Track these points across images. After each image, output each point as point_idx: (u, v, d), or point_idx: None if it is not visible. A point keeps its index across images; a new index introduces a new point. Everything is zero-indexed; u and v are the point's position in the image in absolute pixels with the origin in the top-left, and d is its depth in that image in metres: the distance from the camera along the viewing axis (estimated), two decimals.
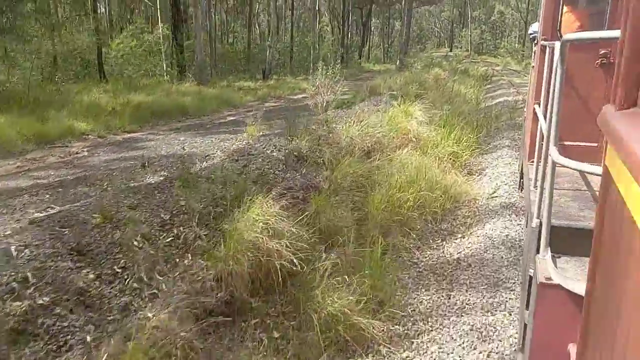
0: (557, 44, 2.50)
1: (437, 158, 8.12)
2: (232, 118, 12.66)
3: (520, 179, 6.18)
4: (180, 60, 21.55)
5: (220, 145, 8.17)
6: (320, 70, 11.68)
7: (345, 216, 5.61)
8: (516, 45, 53.61)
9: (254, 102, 16.41)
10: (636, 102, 1.12)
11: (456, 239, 6.04)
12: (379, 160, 7.41)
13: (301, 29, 54.89)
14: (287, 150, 7.18)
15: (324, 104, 10.50)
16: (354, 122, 8.85)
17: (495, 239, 5.63)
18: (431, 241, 6.04)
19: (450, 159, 8.42)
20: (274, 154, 7.12)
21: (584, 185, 3.19)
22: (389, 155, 7.74)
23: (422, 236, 6.10)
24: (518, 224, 5.93)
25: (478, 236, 5.88)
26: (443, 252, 5.74)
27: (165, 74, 20.52)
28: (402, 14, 54.21)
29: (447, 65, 32.88)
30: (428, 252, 5.75)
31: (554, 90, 2.45)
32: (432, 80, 18.06)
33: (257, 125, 8.56)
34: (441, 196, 6.70)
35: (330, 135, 8.08)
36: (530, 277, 2.52)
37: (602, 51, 3.76)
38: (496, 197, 6.88)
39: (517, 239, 5.55)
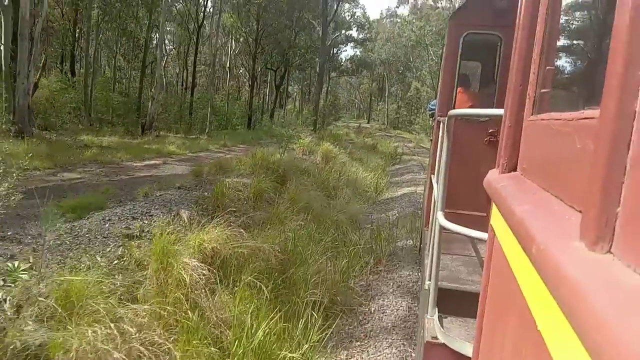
0: (445, 118, 2.78)
1: None
2: None
3: (420, 243, 6.20)
4: None
5: None
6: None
7: None
8: (430, 122, 52.02)
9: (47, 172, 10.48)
10: (516, 167, 1.28)
11: None
12: None
13: (209, 86, 50.26)
14: None
15: None
16: None
17: None
18: None
19: None
20: None
21: (474, 252, 3.36)
22: None
23: None
24: None
25: None
26: None
27: None
28: (313, 80, 51.66)
29: (354, 137, 28.88)
30: None
31: (441, 159, 2.63)
32: (319, 157, 13.28)
33: None
34: None
35: None
36: (421, 338, 2.54)
37: (490, 130, 4.12)
38: None
39: None
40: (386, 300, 5.20)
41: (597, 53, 1.04)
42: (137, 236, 3.94)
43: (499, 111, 1.57)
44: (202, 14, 37.43)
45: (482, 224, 1.85)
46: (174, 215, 4.99)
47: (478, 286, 1.55)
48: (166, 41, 50.36)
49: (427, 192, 4.94)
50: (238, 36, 40.50)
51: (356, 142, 25.78)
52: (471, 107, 4.66)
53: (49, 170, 10.55)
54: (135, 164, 13.12)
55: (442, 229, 2.38)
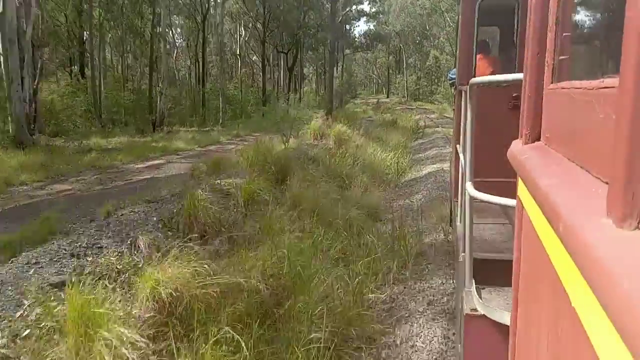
0: (467, 87, 2.72)
1: None
2: None
3: (451, 215, 5.89)
4: None
5: None
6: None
7: None
8: (452, 91, 49.79)
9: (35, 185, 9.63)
10: (539, 137, 1.24)
11: None
12: None
13: (220, 76, 49.18)
14: None
15: None
16: None
17: None
18: None
19: None
20: None
21: (507, 219, 3.26)
22: None
23: None
24: None
25: None
26: None
27: None
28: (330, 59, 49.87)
29: (373, 114, 27.40)
30: None
31: (467, 129, 2.55)
32: (332, 141, 12.05)
33: None
34: None
35: None
36: (460, 311, 2.50)
37: (514, 94, 3.93)
38: None
39: None
40: (415, 324, 4.02)
41: (615, 18, 0.90)
42: (70, 284, 2.83)
43: (521, 75, 1.45)
44: (206, 3, 36.15)
45: (511, 190, 1.66)
46: (130, 245, 3.87)
47: (511, 254, 1.38)
48: (175, 35, 49.48)
49: (454, 162, 4.86)
50: (246, 22, 39.12)
51: (375, 119, 24.34)
52: (492, 73, 4.60)
53: (38, 183, 9.66)
54: (137, 166, 12.19)
55: (473, 199, 2.35)
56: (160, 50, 26.32)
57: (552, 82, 1.16)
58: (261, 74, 41.86)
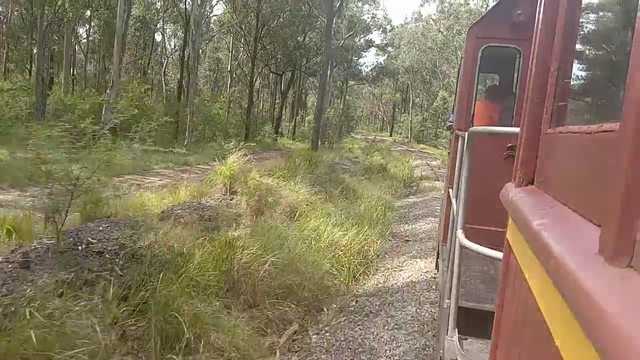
0: (466, 134, 2.66)
1: None
2: None
3: (437, 258, 5.79)
4: None
5: None
6: None
7: None
8: (450, 134, 44.82)
9: None
10: (533, 181, 1.25)
11: None
12: None
13: (208, 93, 44.57)
14: None
15: None
16: None
17: None
18: None
19: None
20: None
21: (493, 269, 3.25)
22: None
23: None
24: None
25: None
26: None
27: None
28: (333, 89, 45.30)
29: (361, 154, 22.19)
30: None
31: (462, 176, 2.54)
32: (245, 205, 6.78)
33: None
34: None
35: None
36: (441, 358, 2.51)
37: (509, 144, 3.96)
38: None
39: None
40: None
41: (615, 66, 1.03)
42: None
43: (518, 129, 1.47)
44: (191, 7, 31.59)
45: (500, 239, 1.60)
46: None
47: None
48: (166, 42, 45.25)
49: (445, 206, 4.72)
50: (237, 34, 34.50)
51: (361, 161, 19.20)
52: (490, 119, 4.52)
53: None
54: None
55: (462, 247, 2.31)
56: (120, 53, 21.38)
57: (549, 127, 1.18)
58: (267, 96, 37.13)
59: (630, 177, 0.56)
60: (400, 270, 6.71)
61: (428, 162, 26.40)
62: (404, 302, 5.47)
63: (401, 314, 5.09)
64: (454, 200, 3.12)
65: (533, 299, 0.88)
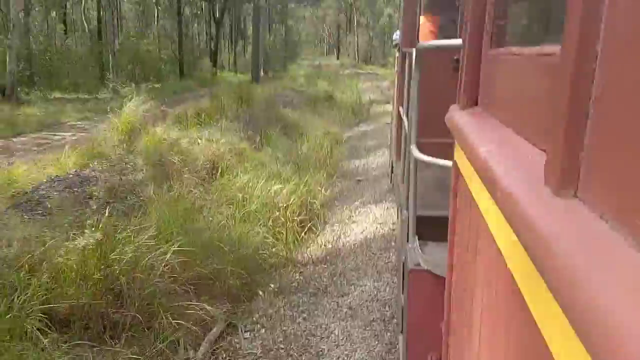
0: (414, 51, 2.60)
1: None
2: None
3: (392, 172, 5.65)
4: None
5: None
6: None
7: None
8: (396, 52, 43.17)
9: None
10: (477, 102, 1.22)
11: None
12: None
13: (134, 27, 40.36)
14: None
15: None
16: None
17: None
18: None
19: None
20: None
21: (447, 178, 2.85)
22: None
23: None
24: None
25: None
26: None
27: None
28: (274, 16, 41.83)
29: (305, 83, 20.46)
30: None
31: (412, 92, 2.54)
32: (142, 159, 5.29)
33: None
34: None
35: None
36: (404, 264, 2.54)
37: (456, 57, 3.63)
38: None
39: None
40: None
41: None
42: None
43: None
44: None
45: (451, 150, 1.55)
46: None
47: None
48: None
49: (396, 124, 4.73)
50: None
51: (306, 91, 17.56)
52: (435, 35, 4.35)
53: None
54: None
55: (417, 161, 2.39)
56: None
57: (490, 47, 1.14)
58: (202, 28, 33.73)
59: (574, 105, 0.54)
60: (352, 223, 5.57)
61: (377, 84, 25.02)
62: (358, 270, 4.36)
63: (356, 290, 3.99)
64: (404, 117, 3.08)
65: (484, 222, 0.88)
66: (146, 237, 3.76)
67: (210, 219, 4.63)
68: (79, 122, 13.47)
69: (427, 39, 4.05)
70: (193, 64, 33.28)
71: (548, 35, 0.91)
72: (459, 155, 1.24)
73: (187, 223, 4.33)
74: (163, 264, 3.68)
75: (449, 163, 1.92)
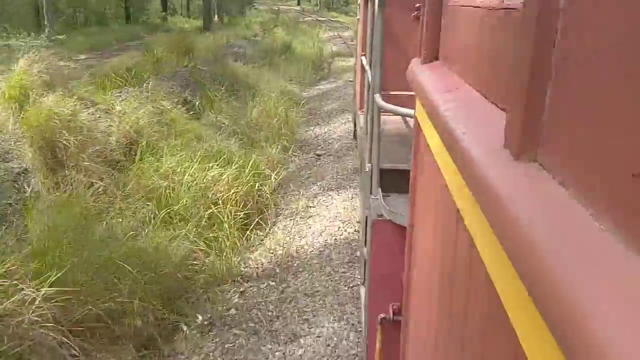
0: None
1: None
2: None
3: (355, 128, 5.70)
4: None
5: None
6: None
7: None
8: None
9: None
10: (437, 57, 1.19)
11: None
12: None
13: None
14: None
15: None
16: None
17: None
18: None
19: None
20: None
21: (408, 130, 3.24)
22: None
23: None
24: None
25: None
26: None
27: None
28: None
29: (260, 32, 18.63)
30: None
31: (376, 38, 2.48)
32: None
33: None
34: None
35: None
36: (367, 217, 2.51)
37: (417, 5, 3.78)
38: None
39: None
40: None
41: None
42: None
43: None
44: None
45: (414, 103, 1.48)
46: None
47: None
48: None
49: (359, 75, 4.59)
50: None
51: (262, 41, 15.84)
52: None
53: None
54: None
55: (380, 110, 2.36)
56: None
57: None
58: None
59: (535, 64, 0.51)
60: (309, 218, 4.50)
61: (340, 34, 23.38)
62: (314, 297, 3.32)
63: (309, 335, 2.95)
64: (368, 68, 3.08)
65: (443, 180, 0.88)
66: (18, 260, 2.55)
67: (118, 223, 3.43)
68: None
69: None
70: (140, 7, 30.22)
71: None
72: (419, 110, 1.20)
73: (81, 235, 3.13)
74: (31, 311, 2.51)
75: (410, 112, 1.88)
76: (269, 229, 4.36)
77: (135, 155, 4.32)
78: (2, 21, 22.58)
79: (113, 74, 6.99)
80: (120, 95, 5.28)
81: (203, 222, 3.90)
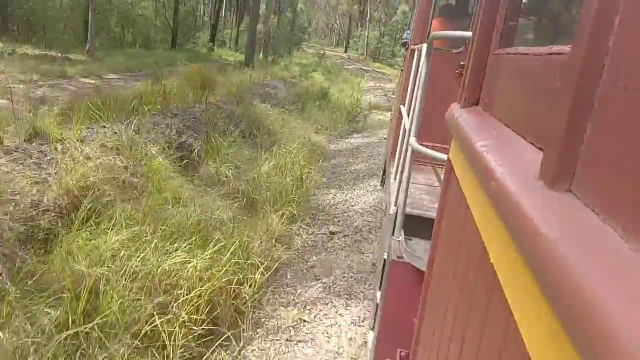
0: (425, 44, 2.63)
1: None
2: None
3: (383, 175, 5.86)
4: None
5: None
6: None
7: None
8: (405, 51, 40.44)
9: None
10: (478, 102, 1.22)
11: None
12: None
13: None
14: None
15: None
16: None
17: None
18: None
19: None
20: None
21: (437, 182, 3.35)
22: None
23: None
24: None
25: None
26: None
27: None
28: None
29: (298, 73, 17.80)
30: None
31: (419, 85, 2.50)
32: None
33: None
34: None
35: None
36: (385, 260, 2.54)
37: (462, 62, 4.02)
38: None
39: None
40: None
41: None
42: None
43: None
44: None
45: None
46: None
47: None
48: None
49: (395, 122, 4.69)
50: None
51: (299, 83, 14.97)
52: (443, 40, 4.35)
53: None
54: None
55: (414, 153, 2.36)
56: None
57: (498, 47, 1.13)
58: None
59: (577, 101, 0.54)
60: (296, 344, 3.11)
61: (382, 85, 22.48)
62: None
63: None
64: (405, 115, 3.12)
65: (471, 219, 0.88)
66: None
67: None
68: (16, 84, 10.86)
69: (436, 43, 3.74)
70: (187, 35, 30.41)
71: (556, 38, 0.97)
72: (454, 150, 1.25)
73: None
74: None
75: (442, 156, 1.90)
76: (238, 352, 3.01)
77: (76, 222, 3.11)
78: (55, 36, 22.80)
79: (114, 100, 5.96)
80: (93, 132, 4.17)
81: (136, 342, 2.59)
